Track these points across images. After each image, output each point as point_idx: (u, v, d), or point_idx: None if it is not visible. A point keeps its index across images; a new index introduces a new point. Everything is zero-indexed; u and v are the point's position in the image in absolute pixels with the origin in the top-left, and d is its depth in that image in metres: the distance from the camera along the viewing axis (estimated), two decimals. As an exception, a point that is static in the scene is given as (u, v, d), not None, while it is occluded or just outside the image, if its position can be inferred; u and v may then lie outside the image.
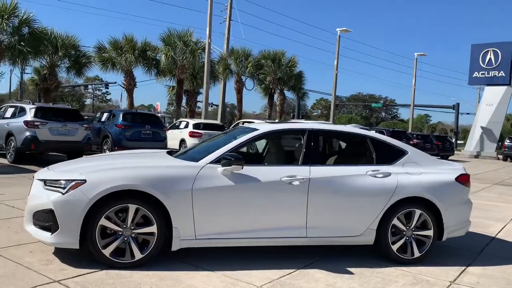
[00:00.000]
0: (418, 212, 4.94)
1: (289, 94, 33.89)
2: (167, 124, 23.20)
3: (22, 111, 12.31)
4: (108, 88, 63.34)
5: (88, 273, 4.01)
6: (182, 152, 5.20)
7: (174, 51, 23.87)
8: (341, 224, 4.77)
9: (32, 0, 76.27)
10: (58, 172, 4.46)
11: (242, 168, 4.44)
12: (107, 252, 4.16)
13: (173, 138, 16.92)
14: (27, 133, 11.69)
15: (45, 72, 20.66)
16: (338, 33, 33.71)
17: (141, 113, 16.24)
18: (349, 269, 4.61)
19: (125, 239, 4.23)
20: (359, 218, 4.80)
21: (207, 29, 21.18)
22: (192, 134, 16.58)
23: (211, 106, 47.94)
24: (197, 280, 4.06)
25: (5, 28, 17.53)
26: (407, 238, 4.95)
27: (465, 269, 4.92)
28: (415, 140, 27.17)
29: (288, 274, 4.36)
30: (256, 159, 5.88)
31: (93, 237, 4.11)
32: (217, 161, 4.52)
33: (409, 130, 40.33)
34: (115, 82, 41.54)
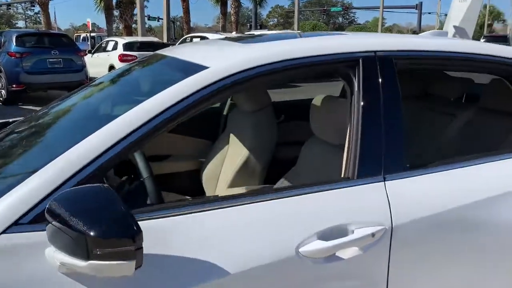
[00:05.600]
0: None
1: (244, 1, 29.33)
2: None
3: None
4: (34, 6, 55.28)
5: None
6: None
7: None
8: None
9: None
10: None
11: (138, 267, 1.04)
12: None
13: (98, 64, 12.89)
14: None
15: None
16: None
17: (45, 34, 11.85)
18: None
19: None
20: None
21: None
22: (122, 58, 12.53)
23: (157, 21, 42.34)
24: None
25: None
26: None
27: None
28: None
29: None
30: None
31: None
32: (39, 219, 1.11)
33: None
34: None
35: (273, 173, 2.45)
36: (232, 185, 2.37)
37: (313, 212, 1.34)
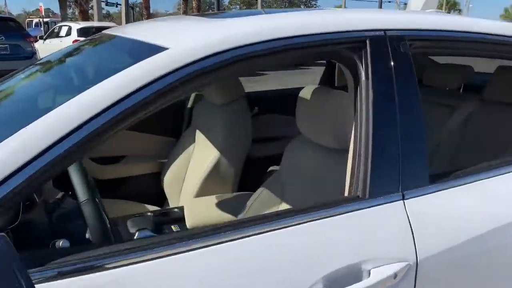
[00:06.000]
0: None
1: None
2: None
3: None
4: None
5: None
6: None
7: None
8: None
9: None
10: None
11: None
12: None
13: (51, 51, 11.90)
14: None
15: None
16: None
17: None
18: None
19: None
20: None
21: None
22: (77, 45, 11.75)
23: (116, 6, 40.72)
24: None
25: None
26: None
27: None
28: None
29: None
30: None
31: None
32: None
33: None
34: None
35: (248, 175, 2.10)
36: (200, 192, 2.00)
37: (315, 249, 0.98)
